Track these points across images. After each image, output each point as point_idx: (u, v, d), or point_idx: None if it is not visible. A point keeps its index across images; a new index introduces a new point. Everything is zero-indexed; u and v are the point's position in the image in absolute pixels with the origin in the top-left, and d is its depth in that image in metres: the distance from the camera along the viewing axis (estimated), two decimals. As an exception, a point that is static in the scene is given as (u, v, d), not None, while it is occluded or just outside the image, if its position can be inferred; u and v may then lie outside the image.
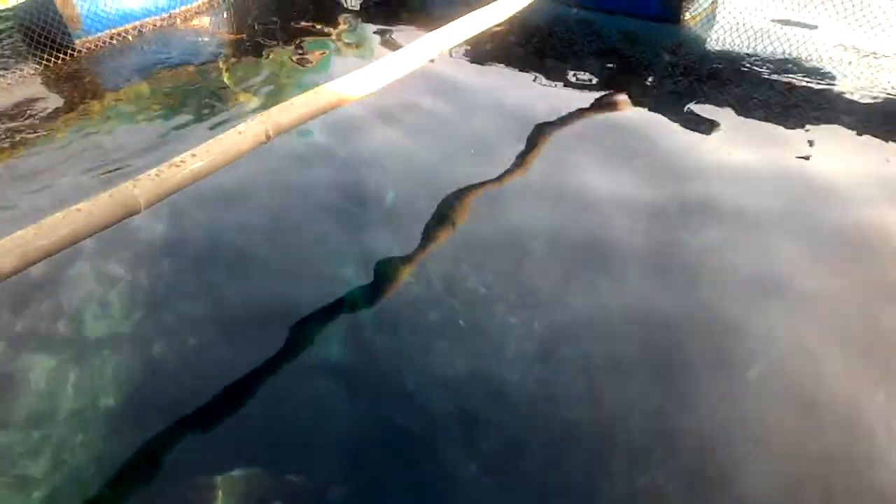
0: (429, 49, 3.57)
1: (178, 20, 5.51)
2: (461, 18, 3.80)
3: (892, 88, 4.35)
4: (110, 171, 3.68)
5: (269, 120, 2.82)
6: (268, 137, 2.82)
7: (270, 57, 5.02)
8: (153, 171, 2.46)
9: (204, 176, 2.60)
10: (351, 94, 3.19)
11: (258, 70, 4.83)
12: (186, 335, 2.73)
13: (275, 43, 5.23)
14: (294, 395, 2.48)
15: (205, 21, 5.57)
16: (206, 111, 4.30)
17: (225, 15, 5.70)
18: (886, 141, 3.87)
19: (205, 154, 2.59)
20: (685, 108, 4.25)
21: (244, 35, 5.38)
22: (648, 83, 4.59)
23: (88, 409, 2.44)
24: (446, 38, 3.69)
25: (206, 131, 4.03)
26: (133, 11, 5.28)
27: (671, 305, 2.78)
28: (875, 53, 4.72)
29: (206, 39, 5.32)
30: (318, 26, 5.60)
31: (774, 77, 4.54)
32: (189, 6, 5.62)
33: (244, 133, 2.72)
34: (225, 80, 4.72)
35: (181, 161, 2.53)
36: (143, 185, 2.41)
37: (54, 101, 4.46)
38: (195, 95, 4.51)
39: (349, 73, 3.22)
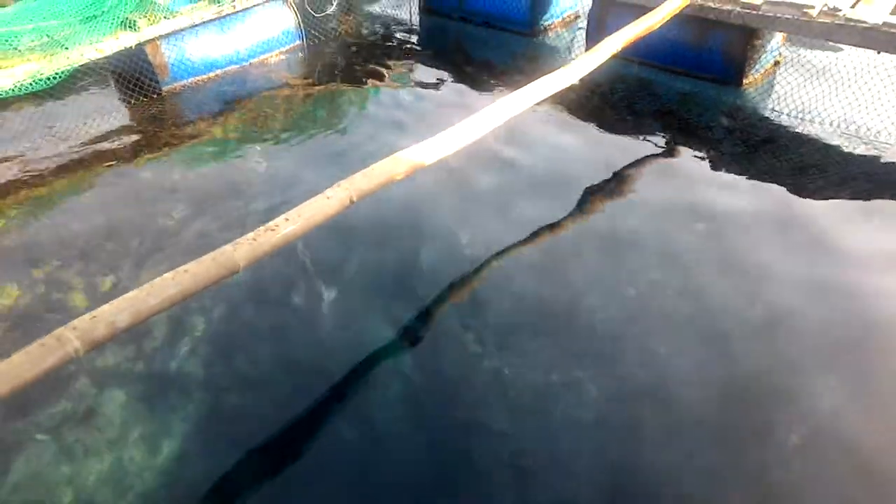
0: (498, 115, 3.75)
1: (257, 67, 5.84)
2: (532, 84, 3.98)
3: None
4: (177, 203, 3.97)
5: (353, 186, 3.03)
6: (351, 202, 3.03)
7: (340, 100, 5.31)
8: (251, 235, 2.69)
9: (295, 238, 2.82)
10: (425, 160, 3.38)
11: (327, 112, 5.13)
12: (251, 380, 2.96)
13: (345, 86, 5.53)
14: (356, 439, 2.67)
15: (281, 67, 5.89)
16: (276, 148, 4.60)
17: (300, 63, 6.01)
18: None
19: (296, 218, 2.81)
20: (742, 173, 4.36)
21: (315, 79, 5.68)
22: (706, 146, 4.70)
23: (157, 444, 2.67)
24: (517, 104, 3.87)
25: (272, 174, 4.33)
26: (216, 60, 5.63)
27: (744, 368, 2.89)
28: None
29: (281, 85, 5.62)
30: (383, 70, 5.88)
31: (833, 144, 4.62)
32: (267, 55, 5.96)
33: (331, 199, 2.94)
34: (294, 122, 5.01)
35: (276, 225, 2.75)
36: (243, 248, 2.63)
37: (138, 136, 4.83)
38: (264, 137, 4.82)
39: (421, 132, 3.44)
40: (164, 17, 5.14)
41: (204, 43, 5.53)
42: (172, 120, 5.06)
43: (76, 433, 2.79)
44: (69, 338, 2.24)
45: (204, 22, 5.39)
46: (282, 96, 5.44)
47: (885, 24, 4.61)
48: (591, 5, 5.99)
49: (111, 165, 4.51)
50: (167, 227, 3.91)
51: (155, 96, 5.33)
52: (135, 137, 4.83)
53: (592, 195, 4.21)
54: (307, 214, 2.85)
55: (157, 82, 5.33)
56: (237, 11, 5.58)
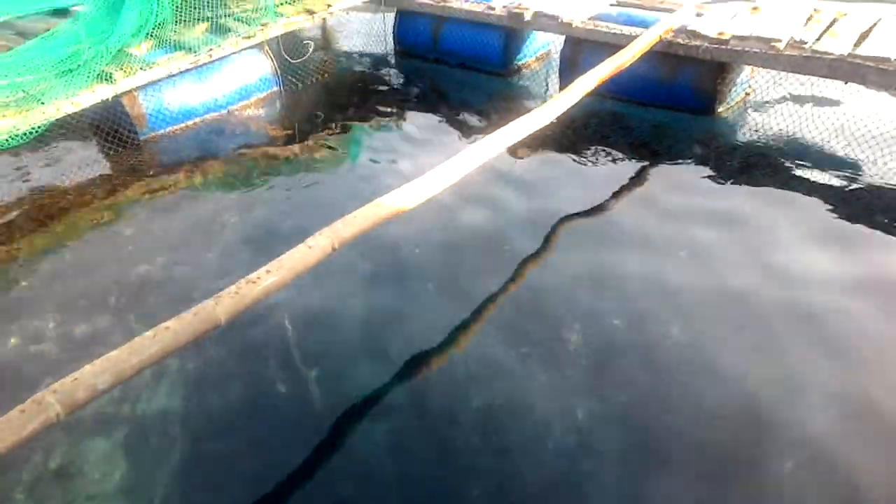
0: (477, 156, 3.79)
1: (235, 114, 5.86)
2: (509, 125, 4.03)
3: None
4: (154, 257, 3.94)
5: (335, 234, 3.04)
6: (333, 249, 3.03)
7: (318, 145, 5.34)
8: (233, 288, 2.67)
9: (277, 289, 2.81)
10: (407, 204, 3.40)
11: (305, 158, 5.15)
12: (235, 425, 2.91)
13: (323, 131, 5.56)
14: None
15: (259, 114, 5.92)
16: (254, 201, 4.59)
17: (278, 109, 6.05)
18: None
19: (277, 269, 2.80)
20: (718, 203, 4.42)
21: (292, 125, 5.71)
22: (682, 176, 4.78)
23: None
24: (496, 144, 3.91)
25: (252, 223, 4.32)
26: (194, 109, 5.65)
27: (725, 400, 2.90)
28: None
29: (258, 131, 5.64)
30: (361, 114, 5.93)
31: (807, 171, 4.70)
32: (245, 102, 5.99)
33: (313, 247, 2.94)
34: (272, 169, 5.02)
35: (257, 277, 2.74)
36: (224, 303, 2.61)
37: (116, 187, 4.81)
38: (243, 184, 4.83)
39: (404, 178, 3.46)
40: (141, 69, 5.16)
41: (181, 92, 5.56)
42: (151, 170, 5.05)
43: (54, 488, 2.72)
44: (50, 402, 2.20)
45: (181, 72, 5.42)
46: (260, 143, 5.46)
47: (849, 55, 4.74)
48: (562, 45, 6.11)
49: (88, 217, 4.47)
50: (146, 280, 3.87)
51: (133, 147, 5.32)
52: (112, 188, 4.81)
53: (571, 228, 4.24)
54: (289, 265, 2.84)
55: (136, 133, 5.33)
56: (214, 60, 5.61)
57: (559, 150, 5.15)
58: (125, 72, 5.09)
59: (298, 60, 6.28)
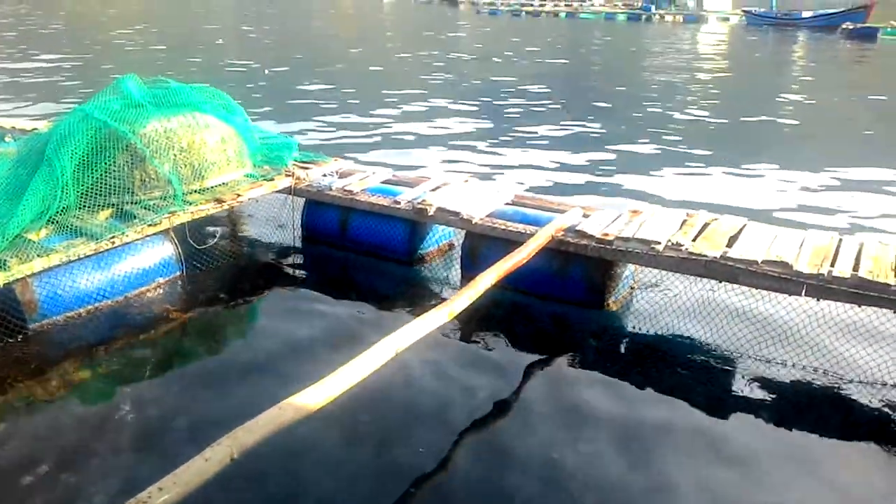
0: (382, 355, 3.85)
1: (134, 300, 5.73)
2: (415, 321, 4.15)
3: (804, 372, 4.87)
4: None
5: (235, 442, 2.94)
6: (232, 459, 2.92)
7: (222, 334, 5.25)
8: (120, 511, 2.49)
9: (169, 508, 2.64)
10: (312, 405, 3.36)
11: (207, 348, 5.04)
12: None
13: (227, 320, 5.50)
14: None
15: (160, 300, 5.80)
16: (148, 395, 4.39)
17: (180, 295, 5.97)
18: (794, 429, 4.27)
19: (171, 486, 2.65)
20: (611, 392, 4.61)
21: (195, 312, 5.62)
22: (579, 367, 4.99)
23: None
24: (401, 341, 4.00)
25: (148, 424, 4.10)
26: (91, 294, 5.49)
27: None
28: (785, 338, 5.28)
29: (159, 318, 5.51)
30: (268, 302, 5.95)
31: (692, 360, 5.02)
32: (145, 287, 5.88)
33: (210, 460, 2.82)
34: (172, 360, 4.86)
35: (148, 496, 2.58)
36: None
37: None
38: (138, 378, 4.63)
39: (306, 379, 3.43)
40: (38, 255, 5.04)
41: (79, 277, 5.42)
42: (37, 363, 4.78)
43: None
44: None
45: (80, 258, 5.32)
46: (160, 331, 5.32)
47: (722, 257, 5.25)
48: (463, 238, 6.47)
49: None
50: (25, 491, 3.53)
51: (20, 337, 5.04)
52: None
53: (473, 431, 4.26)
54: (184, 480, 2.70)
55: (24, 320, 5.09)
56: (116, 247, 5.56)
57: (463, 342, 5.28)
58: (20, 258, 4.95)
59: (204, 246, 6.32)
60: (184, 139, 6.32)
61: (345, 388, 3.56)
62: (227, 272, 6.42)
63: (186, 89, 6.80)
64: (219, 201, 6.35)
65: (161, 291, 5.94)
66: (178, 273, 6.17)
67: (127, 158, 5.94)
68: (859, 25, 43.49)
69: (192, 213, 6.12)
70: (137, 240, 5.74)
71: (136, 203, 5.99)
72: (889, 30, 42.03)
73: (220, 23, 42.65)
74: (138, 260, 5.86)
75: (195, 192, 6.38)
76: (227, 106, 7.07)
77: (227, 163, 6.65)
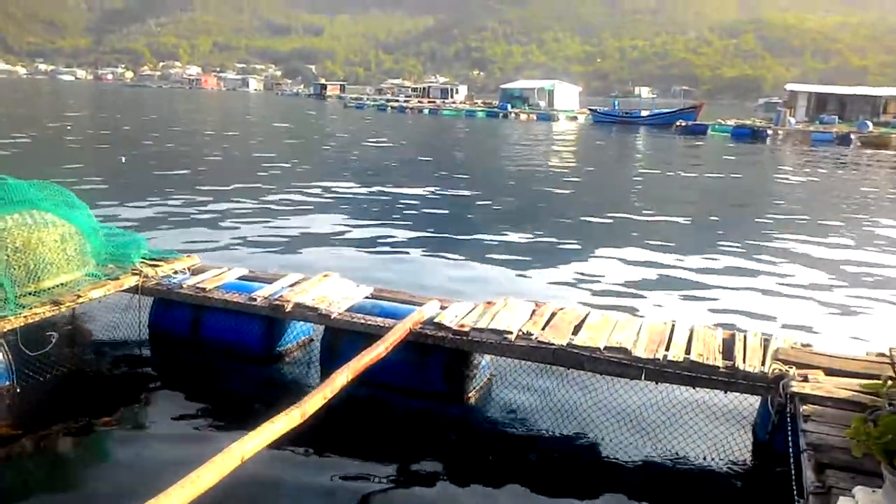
0: (231, 460, 3.69)
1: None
2: (266, 424, 4.02)
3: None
4: None
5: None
6: None
7: (57, 452, 4.82)
8: None
9: None
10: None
11: (38, 467, 4.60)
12: None
13: (63, 434, 5.07)
14: None
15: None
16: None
17: (9, 407, 5.44)
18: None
19: None
20: (469, 492, 4.64)
21: (25, 427, 5.14)
22: (442, 462, 4.99)
23: None
24: (251, 446, 3.85)
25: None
26: None
27: None
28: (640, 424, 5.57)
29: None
30: (110, 410, 5.54)
31: (549, 450, 5.17)
32: (-35, 402, 5.34)
33: None
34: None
35: None
36: None
37: None
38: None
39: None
40: None
41: None
42: None
43: None
44: None
45: None
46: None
47: (568, 345, 5.52)
48: (322, 333, 6.41)
49: None
50: None
51: None
52: None
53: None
54: None
55: None
56: (-69, 357, 5.04)
57: (320, 443, 5.13)
58: None
59: (39, 353, 5.84)
60: (18, 239, 5.93)
61: (187, 499, 3.36)
62: (65, 382, 5.94)
63: (24, 186, 6.42)
64: (56, 304, 5.94)
65: (-13, 406, 5.40)
66: (7, 384, 5.64)
67: (-50, 261, 5.48)
68: (691, 123, 49.24)
69: (25, 317, 5.67)
70: (-43, 347, 5.25)
71: (-39, 308, 5.50)
72: (717, 126, 48.29)
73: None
74: (-42, 371, 5.33)
75: (30, 293, 5.95)
76: (69, 202, 6.73)
77: (66, 262, 6.27)
